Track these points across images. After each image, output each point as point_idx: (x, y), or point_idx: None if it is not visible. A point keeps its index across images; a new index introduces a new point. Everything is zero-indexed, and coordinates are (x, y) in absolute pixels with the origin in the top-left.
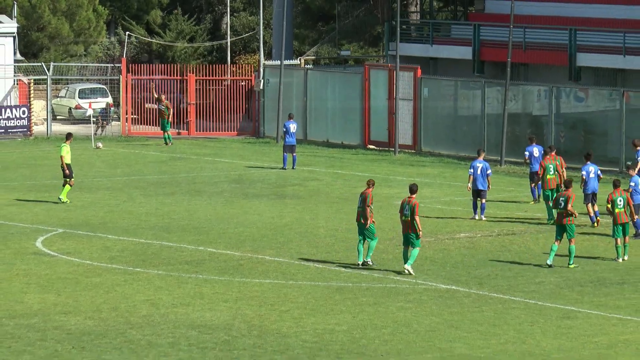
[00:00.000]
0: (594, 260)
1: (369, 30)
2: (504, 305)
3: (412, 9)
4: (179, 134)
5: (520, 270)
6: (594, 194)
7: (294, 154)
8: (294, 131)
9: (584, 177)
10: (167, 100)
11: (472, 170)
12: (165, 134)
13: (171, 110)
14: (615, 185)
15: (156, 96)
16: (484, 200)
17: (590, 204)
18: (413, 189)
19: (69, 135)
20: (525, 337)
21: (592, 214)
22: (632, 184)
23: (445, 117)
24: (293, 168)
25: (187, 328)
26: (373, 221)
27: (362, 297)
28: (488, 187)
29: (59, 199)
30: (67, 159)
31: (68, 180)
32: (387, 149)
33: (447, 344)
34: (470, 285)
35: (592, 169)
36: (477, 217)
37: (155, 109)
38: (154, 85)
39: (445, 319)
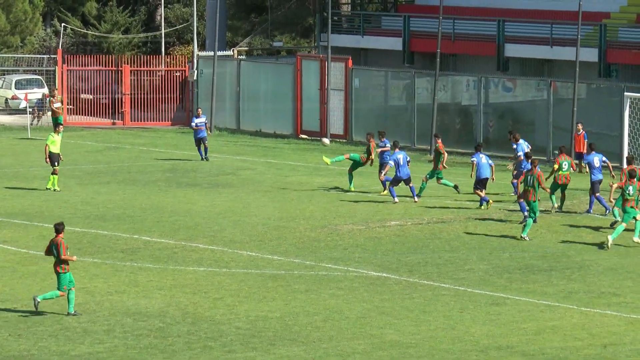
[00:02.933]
0: (522, 247)
1: (301, 22)
2: (433, 292)
3: (343, 1)
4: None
5: (449, 258)
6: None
7: (206, 145)
8: (201, 123)
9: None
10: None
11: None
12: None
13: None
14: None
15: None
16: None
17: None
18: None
19: (57, 126)
20: (455, 324)
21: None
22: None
23: (375, 107)
24: (206, 157)
25: (122, 315)
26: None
27: (295, 284)
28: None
29: (47, 189)
30: (52, 148)
31: (54, 168)
32: (318, 138)
33: (378, 330)
34: (401, 273)
35: (482, 157)
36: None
37: (91, 100)
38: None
39: (376, 305)
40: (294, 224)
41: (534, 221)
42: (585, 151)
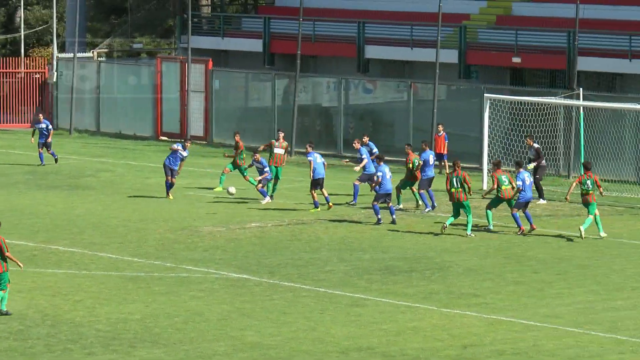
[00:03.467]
0: (382, 248)
1: (161, 23)
2: (294, 293)
3: (204, 2)
4: None
5: (310, 259)
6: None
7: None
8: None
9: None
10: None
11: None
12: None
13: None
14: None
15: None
16: None
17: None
18: None
19: None
20: (316, 325)
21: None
22: (380, 173)
23: (236, 109)
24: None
25: None
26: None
27: (155, 286)
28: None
29: None
30: None
31: None
32: (179, 140)
33: (238, 332)
34: (261, 274)
35: (317, 156)
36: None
37: None
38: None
39: (236, 307)
40: (154, 226)
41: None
42: (445, 152)
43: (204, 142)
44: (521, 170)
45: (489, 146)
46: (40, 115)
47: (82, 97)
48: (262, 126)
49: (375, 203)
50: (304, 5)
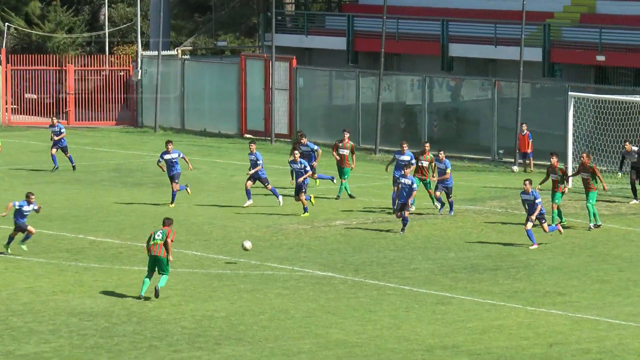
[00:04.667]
0: (467, 247)
1: (245, 21)
2: (379, 291)
3: (288, 0)
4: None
5: (395, 257)
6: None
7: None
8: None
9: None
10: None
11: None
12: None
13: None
14: None
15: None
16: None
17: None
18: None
19: None
20: (401, 323)
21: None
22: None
23: (320, 107)
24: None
25: (68, 315)
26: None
27: (240, 284)
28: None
29: None
30: None
31: None
32: (263, 137)
33: (323, 329)
34: (346, 272)
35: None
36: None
37: (35, 99)
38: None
39: (321, 305)
40: (239, 224)
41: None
42: (530, 150)
43: (289, 140)
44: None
45: (573, 144)
46: (54, 118)
47: (167, 95)
48: (346, 124)
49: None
50: (388, 3)
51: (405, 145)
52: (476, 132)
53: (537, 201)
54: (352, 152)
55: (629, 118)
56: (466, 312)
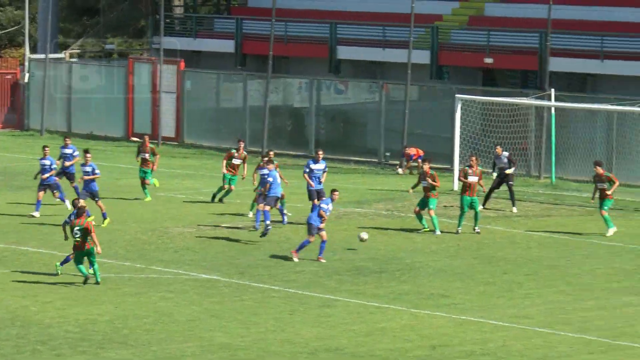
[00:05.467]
0: (352, 249)
1: (133, 24)
2: (264, 294)
3: (176, 3)
4: None
5: (280, 260)
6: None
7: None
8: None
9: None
10: None
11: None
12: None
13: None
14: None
15: None
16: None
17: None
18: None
19: None
20: (285, 326)
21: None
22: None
23: (207, 110)
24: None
25: None
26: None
27: (125, 287)
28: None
29: None
30: None
31: None
32: (150, 141)
33: (207, 333)
34: (231, 275)
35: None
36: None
37: None
38: None
39: (206, 308)
40: (124, 227)
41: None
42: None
43: (175, 143)
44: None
45: (460, 147)
46: (68, 139)
47: (54, 97)
48: (234, 127)
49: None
50: (277, 6)
51: (320, 152)
52: (363, 134)
53: None
54: (244, 161)
55: (515, 120)
56: (350, 315)
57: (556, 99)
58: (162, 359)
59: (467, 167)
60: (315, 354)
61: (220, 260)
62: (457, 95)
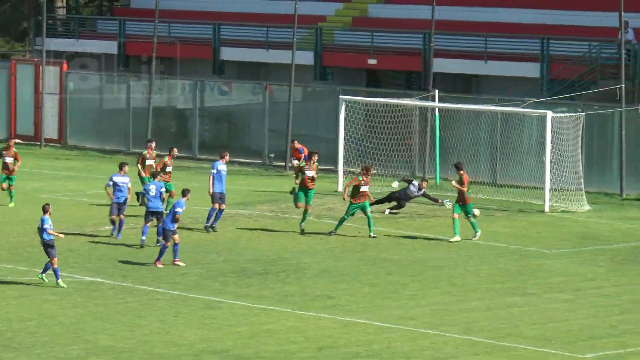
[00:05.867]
0: (237, 251)
1: (15, 26)
2: (148, 296)
3: (59, 4)
4: None
5: (164, 262)
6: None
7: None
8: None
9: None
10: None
11: None
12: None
13: None
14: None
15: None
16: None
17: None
18: None
19: None
20: (169, 328)
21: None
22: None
23: (91, 111)
24: None
25: None
26: None
27: (8, 290)
28: None
29: None
30: None
31: None
32: (32, 142)
33: (92, 335)
34: (115, 277)
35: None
36: None
37: None
38: None
39: (90, 310)
40: (7, 229)
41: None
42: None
43: (58, 145)
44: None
45: (344, 148)
46: (126, 167)
47: None
48: (117, 128)
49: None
50: (160, 7)
51: (226, 154)
52: (248, 135)
53: None
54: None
55: (400, 121)
56: (235, 317)
57: (440, 100)
58: None
59: (360, 178)
60: (199, 356)
61: (104, 262)
62: (341, 97)
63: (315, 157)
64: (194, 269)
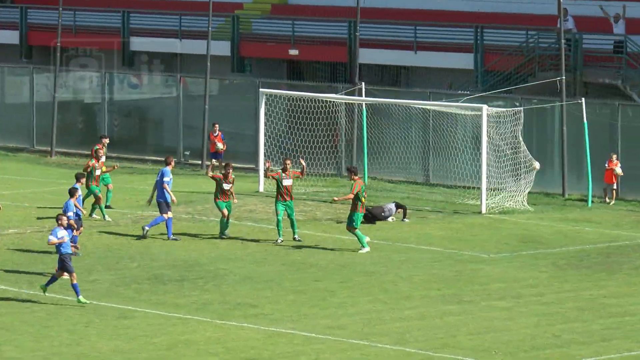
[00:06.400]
0: (151, 256)
1: None
2: (56, 305)
3: None
4: None
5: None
6: None
7: None
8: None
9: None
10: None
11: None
12: None
13: None
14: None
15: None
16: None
17: None
18: None
19: None
20: (80, 339)
21: None
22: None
23: None
24: None
25: None
26: None
27: None
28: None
29: None
30: None
31: None
32: None
33: None
34: (20, 285)
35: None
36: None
37: None
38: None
39: None
40: None
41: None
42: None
43: None
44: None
45: (265, 145)
46: (172, 160)
47: None
48: (20, 124)
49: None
50: None
51: (172, 160)
52: (160, 132)
53: None
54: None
55: (325, 116)
56: (151, 327)
57: (367, 94)
58: None
59: (280, 171)
60: None
61: (9, 267)
62: (260, 90)
63: (230, 170)
64: (106, 275)
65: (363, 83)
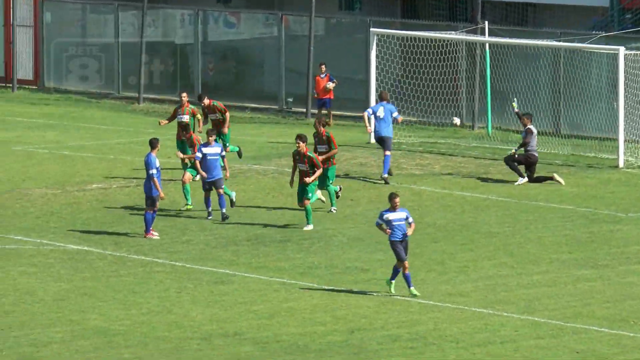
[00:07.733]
0: (250, 214)
1: None
2: (145, 268)
3: None
4: None
5: (164, 227)
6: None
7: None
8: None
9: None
10: None
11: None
12: None
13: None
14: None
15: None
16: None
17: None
18: None
19: None
20: (172, 306)
21: None
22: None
23: (72, 47)
24: None
25: None
26: None
27: None
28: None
29: None
30: None
31: None
32: (3, 84)
33: (79, 315)
34: (106, 246)
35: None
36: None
37: None
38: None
39: (76, 285)
40: None
41: None
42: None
43: (34, 88)
44: None
45: (376, 91)
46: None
47: None
48: (104, 67)
49: None
50: None
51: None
52: (260, 76)
53: None
54: (193, 116)
55: (442, 58)
56: (250, 293)
57: (490, 34)
58: (25, 345)
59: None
60: (208, 340)
61: (92, 227)
62: (372, 30)
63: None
64: (200, 236)
65: (486, 22)
